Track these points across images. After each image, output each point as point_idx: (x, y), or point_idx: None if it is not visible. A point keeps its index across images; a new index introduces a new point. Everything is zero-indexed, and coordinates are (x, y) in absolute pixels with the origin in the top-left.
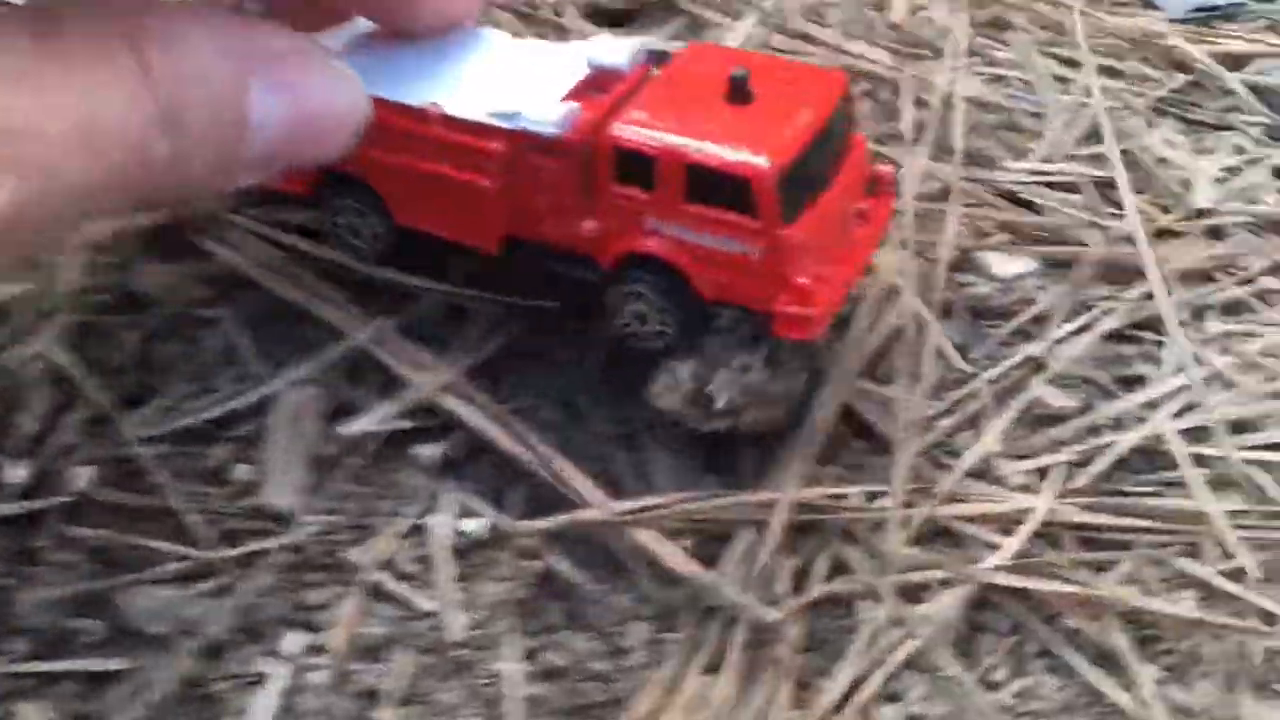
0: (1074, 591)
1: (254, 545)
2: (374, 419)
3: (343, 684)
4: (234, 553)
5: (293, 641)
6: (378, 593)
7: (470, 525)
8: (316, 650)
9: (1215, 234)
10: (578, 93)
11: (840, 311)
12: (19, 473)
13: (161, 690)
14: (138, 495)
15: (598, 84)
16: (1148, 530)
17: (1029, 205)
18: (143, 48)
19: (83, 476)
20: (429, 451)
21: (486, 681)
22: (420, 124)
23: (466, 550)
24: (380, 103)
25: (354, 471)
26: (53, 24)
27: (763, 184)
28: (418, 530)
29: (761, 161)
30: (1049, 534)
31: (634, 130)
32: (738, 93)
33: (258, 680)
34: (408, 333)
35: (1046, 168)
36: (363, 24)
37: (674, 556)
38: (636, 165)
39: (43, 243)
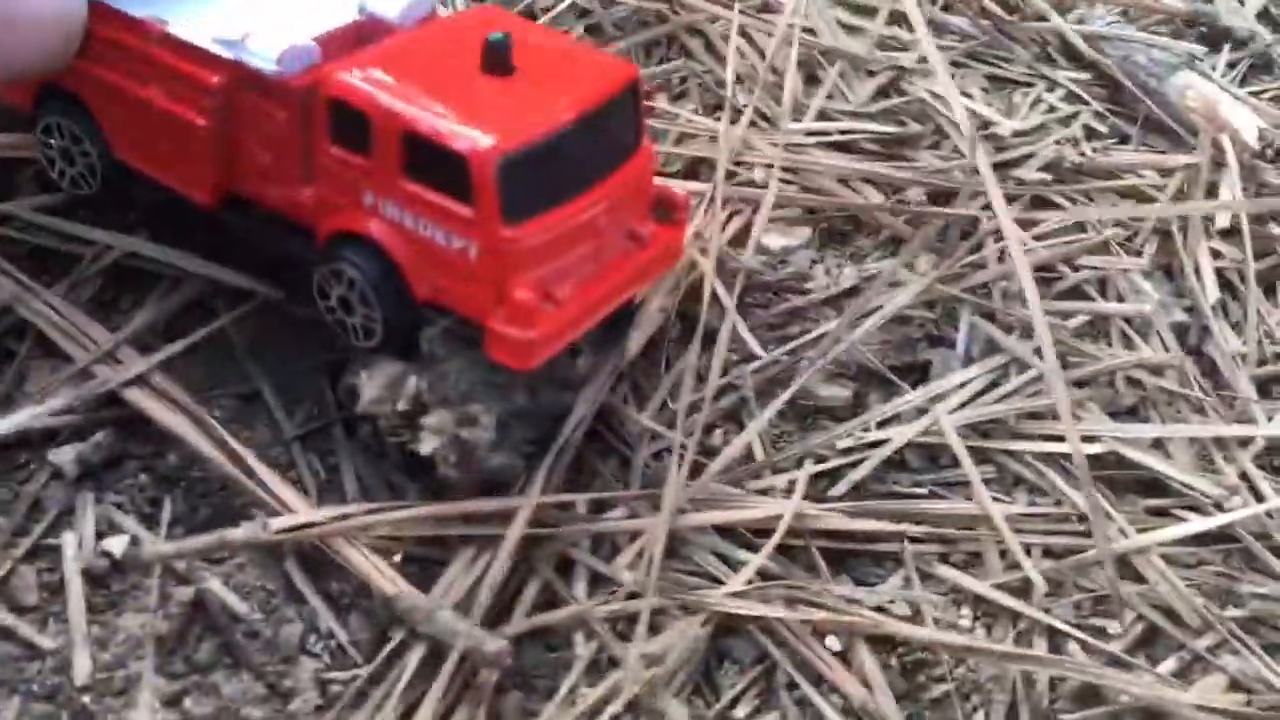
0: (824, 618)
1: None
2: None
3: None
4: None
5: None
6: None
7: (112, 544)
8: None
9: (1013, 201)
10: (334, 39)
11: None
12: None
13: None
14: None
15: (365, 34)
16: (920, 539)
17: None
18: None
19: None
20: (67, 455)
21: None
22: (141, 40)
23: (103, 575)
24: (102, 9)
25: None
26: None
27: (483, 167)
28: (46, 551)
29: (485, 140)
30: (801, 545)
31: (353, 81)
32: (494, 61)
33: None
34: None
35: (826, 126)
36: None
37: (381, 575)
38: (353, 123)
39: None
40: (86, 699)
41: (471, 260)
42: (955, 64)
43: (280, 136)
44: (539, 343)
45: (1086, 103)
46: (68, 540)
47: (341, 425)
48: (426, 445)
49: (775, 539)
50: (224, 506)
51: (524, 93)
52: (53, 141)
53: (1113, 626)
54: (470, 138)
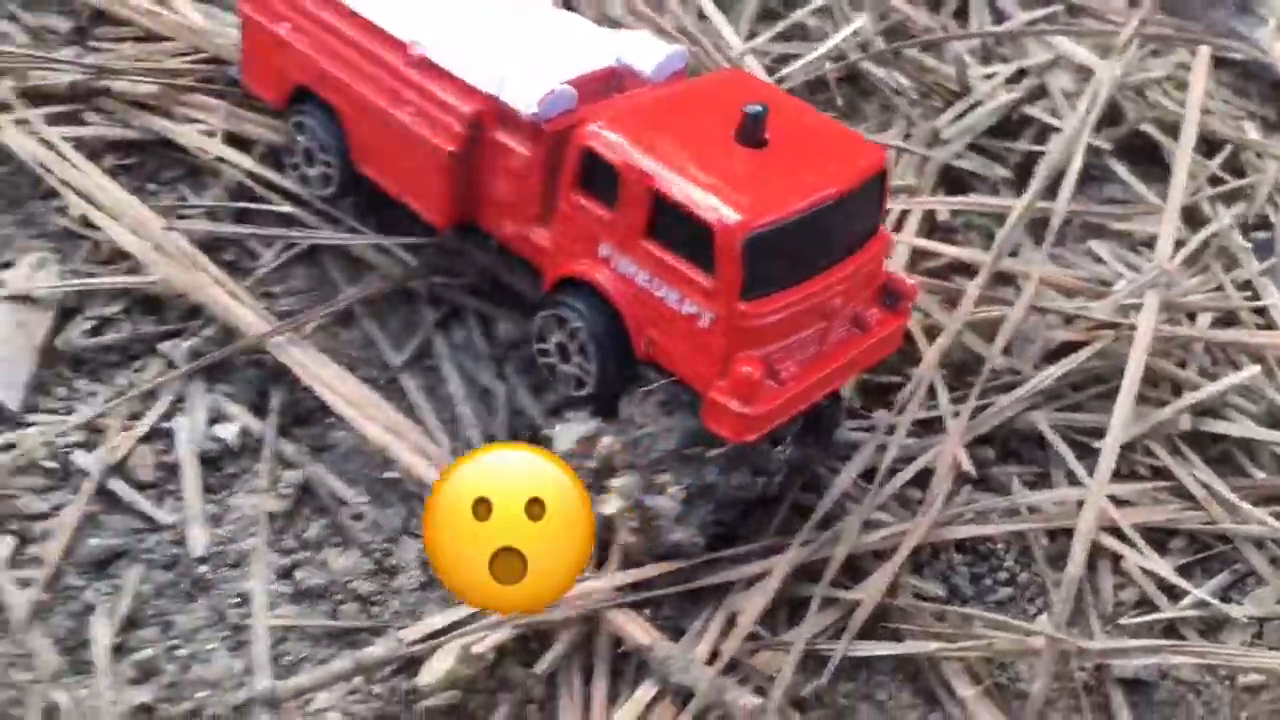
0: None
1: None
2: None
3: (61, 601)
4: None
5: (2, 551)
6: (109, 501)
7: (224, 430)
8: (29, 561)
9: None
10: (586, 83)
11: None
12: None
13: None
14: None
15: (617, 82)
16: None
17: None
18: None
19: None
20: (175, 347)
21: (234, 602)
22: (399, 61)
23: (216, 458)
24: (365, 25)
25: (92, 367)
26: None
27: (729, 241)
28: (161, 435)
29: (734, 214)
30: None
31: (609, 136)
32: (749, 132)
33: None
34: None
35: None
36: None
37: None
38: (603, 176)
39: None
40: (203, 569)
41: (702, 328)
42: None
43: (524, 175)
44: (758, 419)
45: None
46: (180, 424)
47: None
48: (610, 506)
49: None
50: (316, 403)
51: (776, 168)
52: (300, 139)
53: None
54: (720, 210)
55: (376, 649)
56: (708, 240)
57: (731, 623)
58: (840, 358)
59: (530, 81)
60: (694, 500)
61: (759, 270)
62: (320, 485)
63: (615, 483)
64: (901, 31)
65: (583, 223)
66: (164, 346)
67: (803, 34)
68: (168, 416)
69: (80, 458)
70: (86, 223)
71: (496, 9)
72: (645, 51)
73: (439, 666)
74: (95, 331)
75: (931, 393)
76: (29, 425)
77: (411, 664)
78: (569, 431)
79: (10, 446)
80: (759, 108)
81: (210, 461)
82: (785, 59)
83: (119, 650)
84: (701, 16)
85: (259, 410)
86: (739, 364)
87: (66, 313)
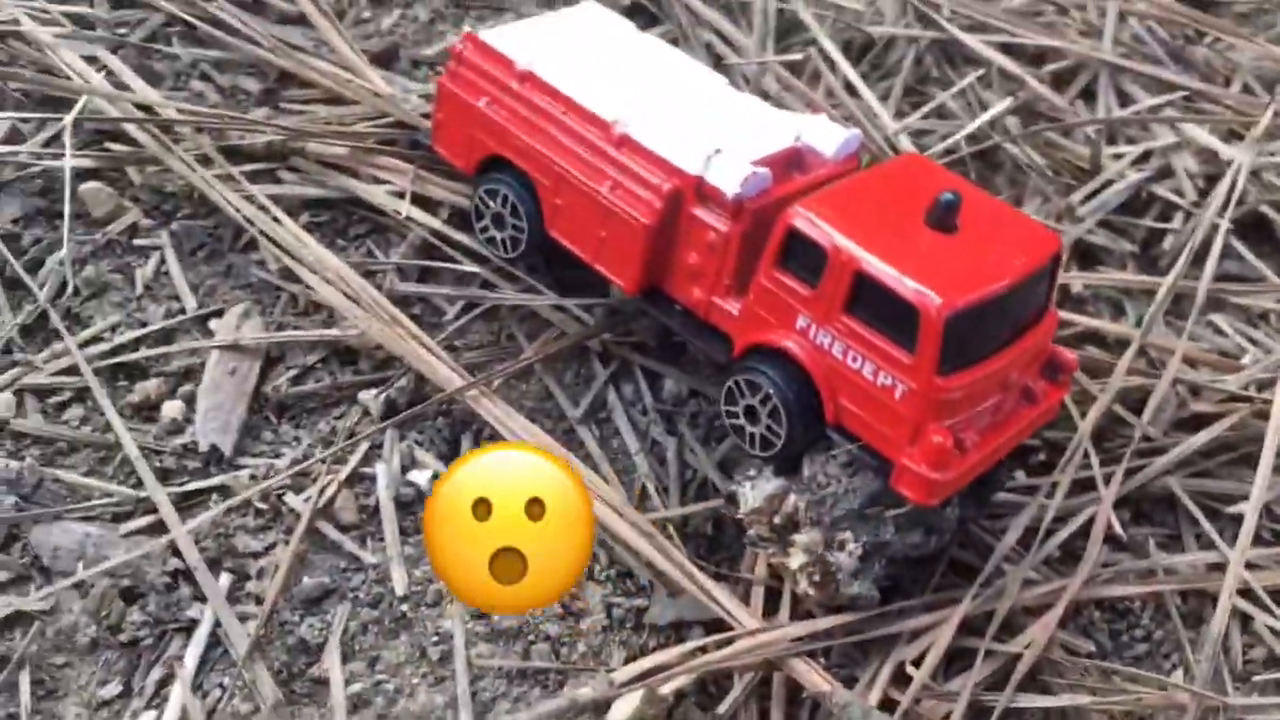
0: None
1: (184, 485)
2: (318, 359)
3: (277, 635)
4: (164, 492)
5: (223, 587)
6: (317, 541)
7: (418, 476)
8: (249, 598)
9: None
10: (774, 162)
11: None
12: None
13: (76, 634)
14: (62, 426)
15: (798, 161)
16: None
17: None
18: None
19: (1, 403)
20: (374, 396)
21: (434, 640)
22: (601, 137)
23: (410, 502)
24: (566, 100)
25: (295, 413)
26: None
27: (932, 321)
28: (361, 479)
29: (936, 296)
30: None
31: (814, 218)
32: (940, 218)
33: (185, 627)
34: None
35: None
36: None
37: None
38: (807, 255)
39: None
40: (405, 607)
41: (896, 399)
42: None
43: (721, 249)
44: (946, 484)
45: None
46: (380, 470)
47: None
48: (794, 561)
49: None
50: None
51: (968, 252)
52: (491, 204)
53: None
54: (922, 292)
55: (588, 689)
56: (910, 319)
57: (899, 672)
58: (1012, 427)
59: (733, 163)
60: (870, 556)
61: (954, 347)
62: None
63: (799, 538)
64: (1031, 109)
65: (781, 296)
66: (362, 396)
67: (937, 109)
68: (367, 462)
69: (290, 499)
70: (286, 275)
71: (683, 89)
72: (824, 133)
73: (625, 708)
74: (297, 380)
75: (1083, 455)
76: (241, 468)
77: (596, 705)
78: (757, 489)
79: (225, 489)
80: (951, 196)
81: (405, 505)
82: (921, 133)
83: (330, 683)
84: (851, 92)
85: (447, 458)
86: (931, 433)
87: (270, 361)
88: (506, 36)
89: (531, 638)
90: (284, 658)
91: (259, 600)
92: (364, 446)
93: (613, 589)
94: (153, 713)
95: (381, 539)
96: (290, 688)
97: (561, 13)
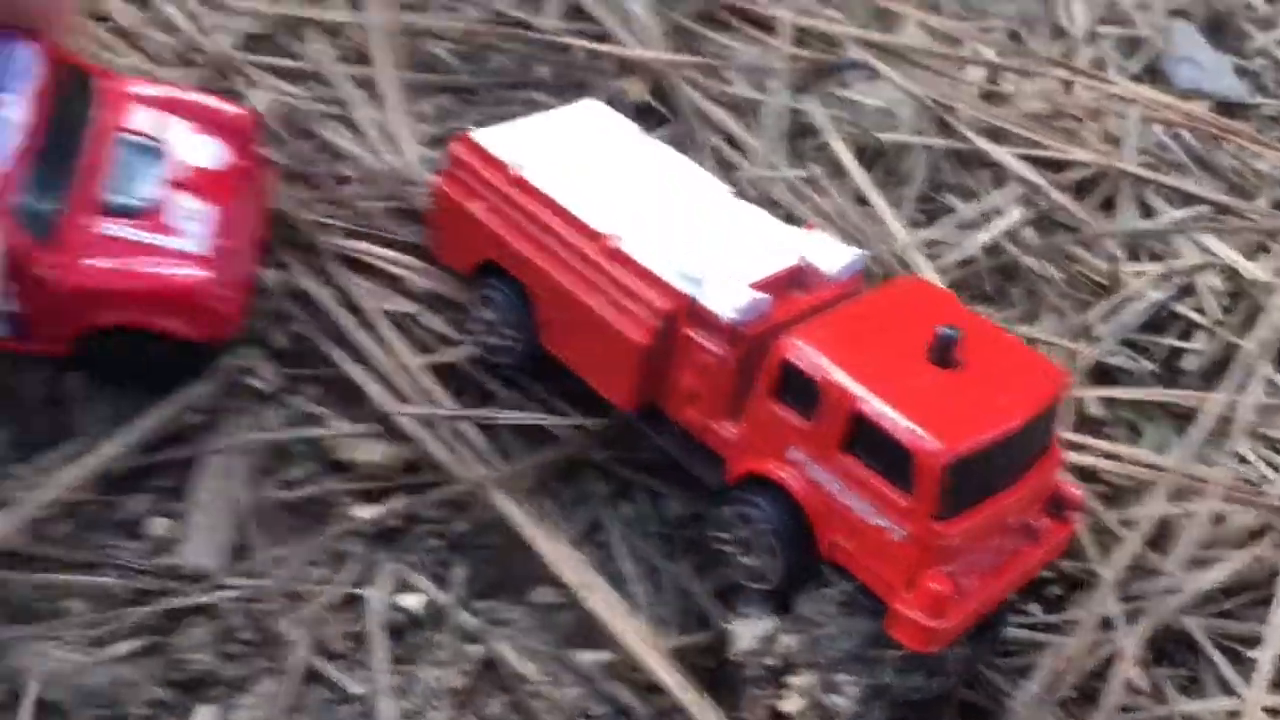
0: None
1: (169, 606)
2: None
3: None
4: (146, 613)
5: (206, 718)
6: (304, 670)
7: (409, 600)
8: None
9: None
10: (774, 283)
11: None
12: None
13: None
14: (44, 544)
15: (800, 280)
16: None
17: None
18: None
19: None
20: (367, 514)
21: None
22: (595, 250)
23: (403, 629)
24: (558, 208)
25: (283, 533)
26: None
27: (931, 466)
28: (351, 602)
29: (935, 441)
30: None
31: (810, 352)
32: (941, 353)
33: None
34: None
35: None
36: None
37: None
38: (802, 389)
39: None
40: None
41: (892, 541)
42: None
43: (716, 372)
44: (944, 632)
45: None
46: (371, 595)
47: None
48: (790, 704)
49: None
50: (500, 575)
51: (969, 392)
52: (485, 311)
53: None
54: (921, 436)
55: None
56: (907, 463)
57: None
58: (1015, 568)
59: (729, 287)
60: (870, 700)
61: (954, 493)
62: (501, 662)
63: (796, 681)
64: (1049, 219)
65: (775, 427)
66: (352, 510)
67: (952, 218)
68: (356, 584)
69: (279, 624)
70: None
71: (683, 198)
72: (829, 253)
73: None
74: (287, 489)
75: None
76: (228, 588)
77: None
78: (749, 629)
79: (211, 609)
80: (952, 332)
81: (395, 631)
82: (934, 244)
83: None
84: (862, 201)
85: (440, 580)
86: (928, 579)
87: (258, 473)
88: (502, 137)
89: None
90: None
91: None
92: (355, 568)
93: None
94: None
95: (369, 668)
96: None
97: (561, 111)
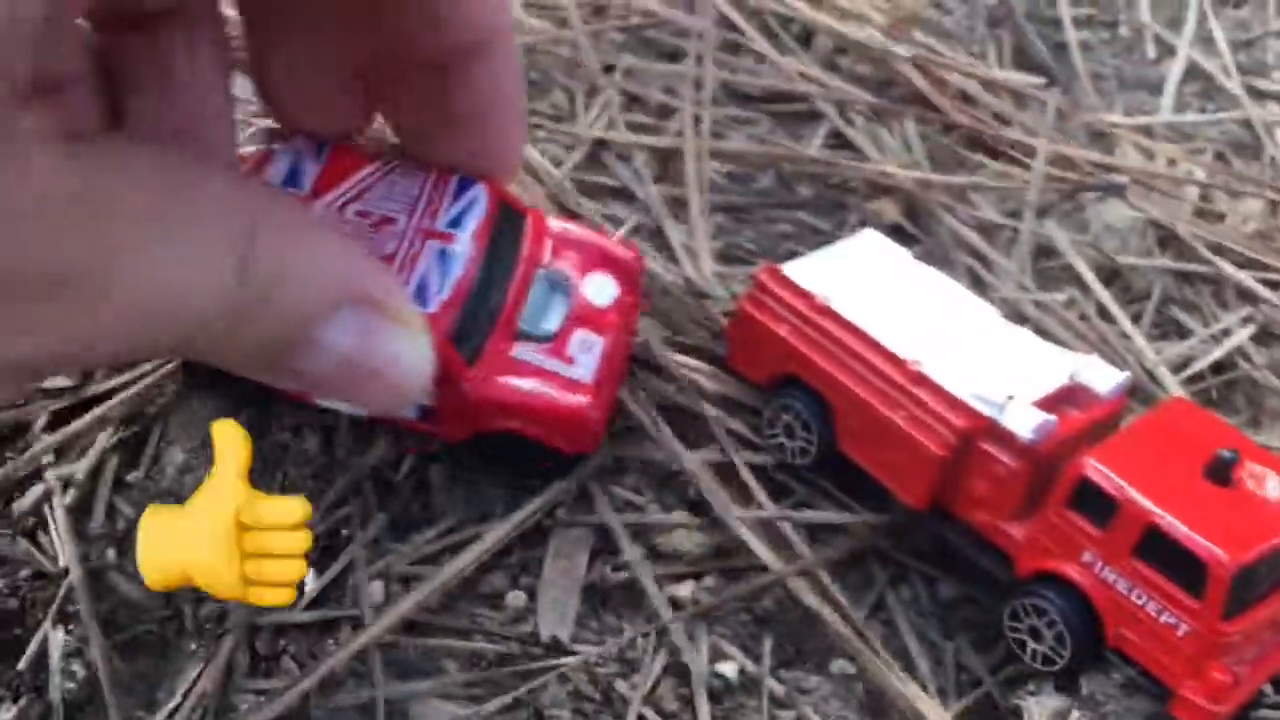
0: None
1: (528, 668)
2: (637, 555)
3: None
4: (509, 673)
5: None
6: None
7: (724, 668)
8: None
9: None
10: (1051, 401)
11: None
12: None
13: None
14: (425, 613)
15: (1071, 398)
16: None
17: None
18: (256, 234)
19: (377, 591)
20: (684, 592)
21: None
22: (897, 373)
23: (719, 693)
24: (865, 339)
25: (617, 605)
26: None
27: (1221, 574)
28: (677, 670)
29: (1225, 554)
30: None
31: (1107, 471)
32: (1219, 472)
33: None
34: None
35: None
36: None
37: None
38: (1097, 502)
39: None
40: None
41: (1178, 637)
42: None
43: (1008, 482)
44: (1222, 715)
45: None
46: (694, 661)
47: None
48: None
49: None
50: (803, 646)
51: (1245, 506)
52: (784, 417)
53: None
54: (1212, 549)
55: None
56: (1202, 572)
57: None
58: (1276, 659)
59: (1025, 410)
60: None
61: (1238, 597)
62: None
63: None
64: (1269, 331)
65: (1068, 533)
66: (670, 588)
67: (1177, 331)
68: (674, 653)
69: (619, 686)
70: None
71: (962, 323)
72: (1098, 374)
73: None
74: (617, 570)
75: None
76: (575, 654)
77: None
78: (1042, 706)
79: (561, 672)
80: (1231, 455)
81: (713, 695)
82: (1170, 358)
83: None
84: (1106, 317)
85: (749, 651)
86: (1213, 670)
87: (594, 553)
88: (803, 269)
89: None
90: None
91: None
92: (681, 636)
93: None
94: None
95: None
96: None
97: (848, 244)
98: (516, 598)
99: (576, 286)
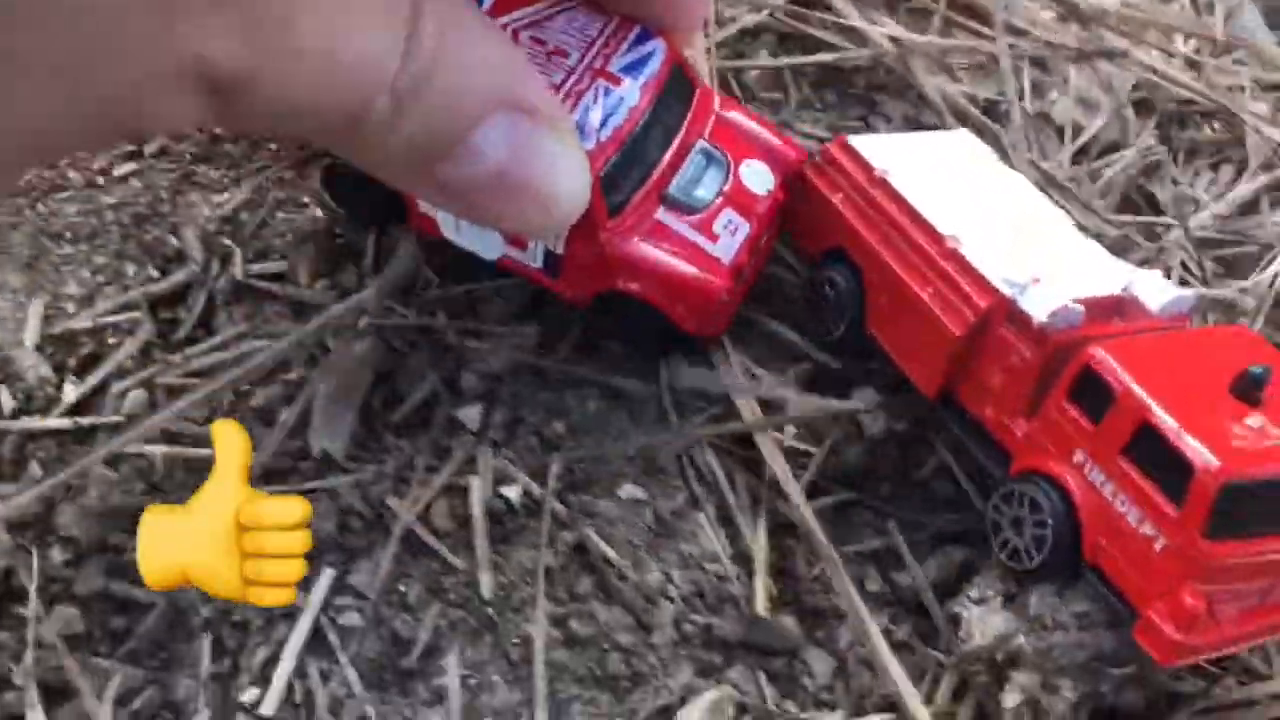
0: None
1: (295, 486)
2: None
3: (374, 627)
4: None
5: (326, 581)
6: (414, 545)
7: (507, 491)
8: (349, 592)
9: None
10: (1094, 304)
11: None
12: None
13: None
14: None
15: (1120, 309)
16: None
17: None
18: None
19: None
20: (472, 413)
21: (514, 643)
22: (934, 248)
23: (500, 514)
24: (908, 209)
25: (398, 425)
26: None
27: (1205, 482)
28: (456, 490)
29: (1215, 461)
30: None
31: (1113, 362)
32: (1246, 389)
33: (290, 614)
34: None
35: None
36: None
37: None
38: (1095, 392)
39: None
40: (490, 610)
41: (1155, 551)
42: None
43: (1019, 372)
44: (1187, 647)
45: None
46: (474, 483)
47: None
48: (1009, 699)
49: None
50: (590, 473)
51: (1262, 427)
52: (829, 292)
53: None
54: (1202, 453)
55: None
56: (1185, 476)
57: None
58: (1276, 615)
59: (1046, 294)
60: (1080, 706)
61: (1225, 516)
62: (591, 547)
63: (1019, 678)
64: None
65: (1064, 428)
66: (458, 413)
67: None
68: (460, 475)
69: (392, 504)
70: None
71: (1027, 222)
72: (1154, 288)
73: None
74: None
75: None
76: (350, 473)
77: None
78: (985, 622)
79: (334, 491)
80: (1261, 369)
81: (495, 517)
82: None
83: (418, 675)
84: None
85: (537, 476)
86: (1184, 593)
87: (381, 377)
88: (873, 144)
89: (605, 646)
90: (378, 646)
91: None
92: (459, 459)
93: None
94: (258, 689)
95: (472, 547)
96: (380, 675)
97: (935, 134)
98: (290, 414)
99: (734, 167)
